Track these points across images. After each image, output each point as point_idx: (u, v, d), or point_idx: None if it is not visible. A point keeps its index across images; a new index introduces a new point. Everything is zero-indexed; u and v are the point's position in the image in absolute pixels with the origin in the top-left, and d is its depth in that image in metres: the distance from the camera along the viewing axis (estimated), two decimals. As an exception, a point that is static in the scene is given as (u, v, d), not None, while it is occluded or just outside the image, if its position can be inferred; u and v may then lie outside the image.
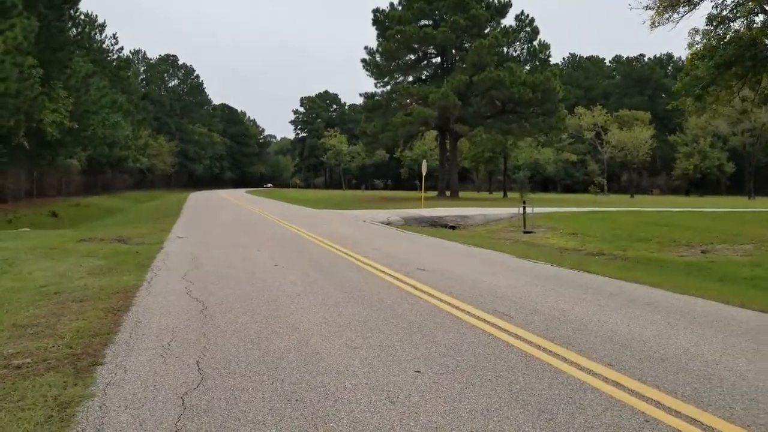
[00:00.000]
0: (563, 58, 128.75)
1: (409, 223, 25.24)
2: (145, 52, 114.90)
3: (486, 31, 47.34)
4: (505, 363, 4.92)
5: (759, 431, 3.63)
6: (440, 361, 4.99)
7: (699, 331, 6.07)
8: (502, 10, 49.30)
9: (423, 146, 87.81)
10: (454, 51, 52.01)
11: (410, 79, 54.85)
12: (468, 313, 6.78)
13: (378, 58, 50.73)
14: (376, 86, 53.70)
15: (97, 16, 70.93)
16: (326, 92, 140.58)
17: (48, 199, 38.17)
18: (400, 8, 51.12)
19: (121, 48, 79.93)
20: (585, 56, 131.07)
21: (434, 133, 61.81)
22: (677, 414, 3.85)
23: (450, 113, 45.52)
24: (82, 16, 40.70)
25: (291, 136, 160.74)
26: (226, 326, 6.15)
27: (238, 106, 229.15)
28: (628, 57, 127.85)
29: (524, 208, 23.47)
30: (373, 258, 11.58)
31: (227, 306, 7.14)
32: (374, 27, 52.11)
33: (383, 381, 4.47)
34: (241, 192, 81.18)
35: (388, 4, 52.98)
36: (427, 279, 9.16)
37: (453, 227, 25.90)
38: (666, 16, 24.16)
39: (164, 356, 5.10)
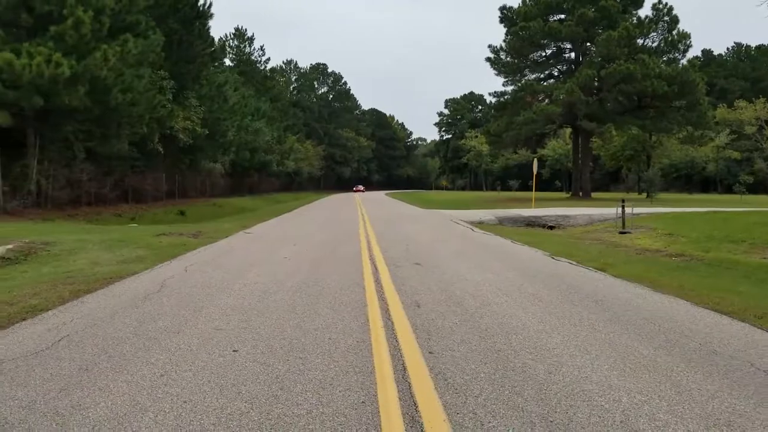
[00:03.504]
0: (727, 48, 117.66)
1: (503, 223, 24.64)
2: (296, 61, 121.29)
3: (619, 23, 44.61)
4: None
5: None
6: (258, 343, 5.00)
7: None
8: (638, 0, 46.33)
9: (566, 145, 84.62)
10: (588, 44, 49.60)
11: (541, 76, 53.16)
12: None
13: (503, 56, 49.71)
14: (504, 85, 52.68)
15: (246, 29, 76.34)
16: (471, 93, 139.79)
17: (189, 199, 41.61)
18: (529, 4, 49.71)
19: (268, 59, 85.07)
20: (753, 45, 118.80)
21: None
22: None
23: (577, 110, 43.52)
24: (212, 30, 43.66)
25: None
26: (153, 307, 6.55)
27: (387, 110, 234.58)
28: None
29: (623, 208, 22.06)
30: (391, 254, 11.57)
31: (180, 288, 7.56)
32: (502, 24, 51.16)
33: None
34: (380, 194, 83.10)
35: (519, 2, 51.80)
36: (404, 275, 9.04)
37: (552, 227, 24.93)
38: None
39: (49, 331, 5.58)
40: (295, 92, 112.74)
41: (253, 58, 74.34)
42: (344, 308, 6.66)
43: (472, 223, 22.97)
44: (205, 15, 36.82)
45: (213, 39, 50.22)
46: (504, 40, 49.62)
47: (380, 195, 72.72)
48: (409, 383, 4.21)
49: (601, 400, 3.91)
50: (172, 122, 32.36)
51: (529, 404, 3.83)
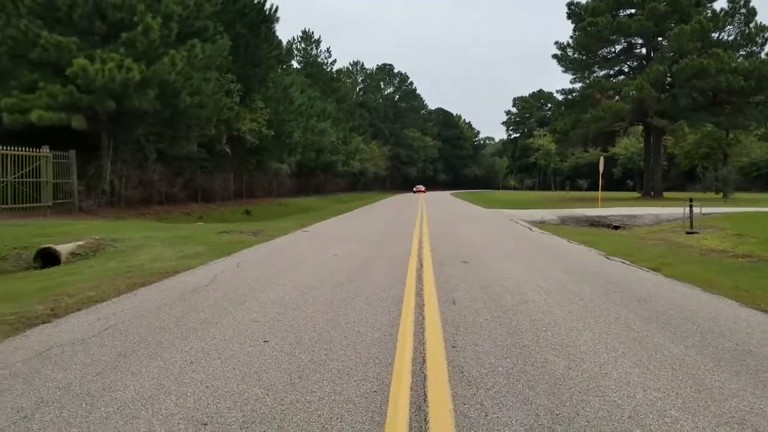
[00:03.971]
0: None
1: (565, 223, 24.22)
2: (363, 63, 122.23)
3: (692, 17, 42.96)
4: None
5: None
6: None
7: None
8: (713, -9, 44.49)
9: (639, 144, 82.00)
10: (659, 39, 47.98)
11: (611, 72, 51.78)
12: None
13: (570, 53, 48.69)
14: (571, 82, 51.63)
15: (312, 32, 77.63)
16: (540, 91, 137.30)
17: (256, 199, 42.69)
18: (597, -1, 48.53)
19: (335, 60, 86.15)
20: None
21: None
22: None
23: (647, 106, 42.18)
24: (280, 33, 44.60)
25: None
26: (198, 301, 6.87)
27: (454, 110, 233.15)
28: None
29: (690, 207, 21.29)
30: (441, 252, 11.63)
31: (228, 283, 7.87)
32: (569, 20, 50.12)
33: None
34: (444, 194, 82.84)
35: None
36: (449, 273, 9.09)
37: (616, 227, 24.34)
38: None
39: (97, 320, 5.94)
40: (361, 93, 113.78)
41: (319, 60, 75.57)
42: (380, 303, 6.77)
43: (532, 222, 22.67)
44: (271, 19, 37.70)
45: (280, 42, 51.50)
46: (571, 37, 48.67)
47: (444, 195, 72.52)
48: (425, 375, 4.28)
49: (615, 396, 3.88)
50: (239, 124, 33.30)
51: (540, 398, 3.84)
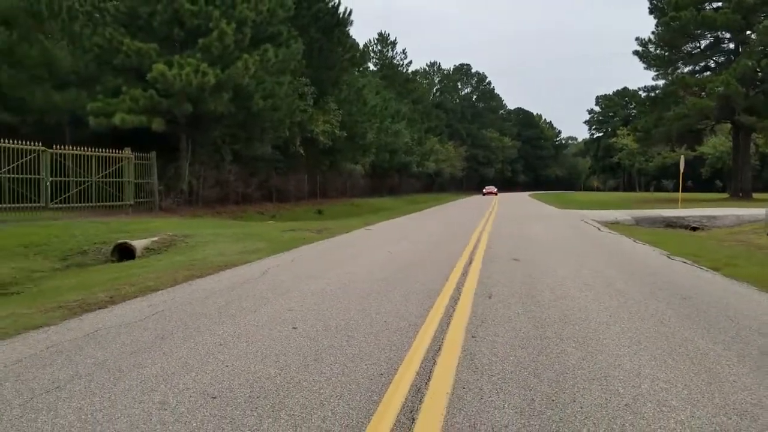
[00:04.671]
0: None
1: (640, 224, 23.49)
2: (439, 63, 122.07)
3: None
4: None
5: None
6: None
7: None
8: (810, -22, 41.79)
9: (728, 142, 78.06)
10: (747, 33, 45.58)
11: (696, 68, 49.62)
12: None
13: (653, 49, 46.99)
14: (654, 79, 49.84)
15: (389, 34, 78.26)
16: (624, 89, 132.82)
17: (329, 199, 43.51)
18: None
19: (410, 62, 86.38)
20: None
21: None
22: None
23: (734, 103, 40.18)
24: (357, 35, 45.24)
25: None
26: (246, 293, 7.22)
27: (535, 109, 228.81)
28: None
29: (773, 207, 20.24)
30: (495, 250, 11.63)
31: (278, 276, 8.21)
32: (651, 15, 48.41)
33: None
34: (522, 195, 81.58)
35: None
36: (495, 270, 9.11)
37: (695, 228, 23.41)
38: None
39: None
40: (437, 94, 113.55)
41: (395, 62, 76.09)
42: (415, 296, 6.90)
43: (603, 223, 22.11)
44: (344, 23, 38.36)
45: (356, 44, 52.27)
46: (653, 32, 46.97)
47: (521, 196, 71.43)
48: (435, 361, 4.40)
49: (619, 386, 3.87)
50: (312, 126, 34.07)
51: (542, 385, 3.88)
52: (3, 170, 16.32)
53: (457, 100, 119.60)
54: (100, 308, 6.54)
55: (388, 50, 75.01)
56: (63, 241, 14.59)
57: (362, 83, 44.54)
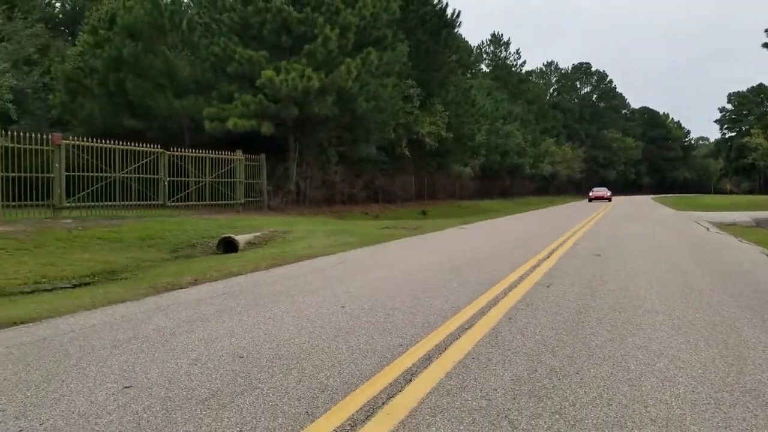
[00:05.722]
0: None
1: (761, 225, 21.92)
2: (557, 62, 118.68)
3: None
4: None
5: None
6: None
7: None
8: None
9: None
10: None
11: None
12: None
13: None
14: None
15: (502, 34, 77.44)
16: (760, 85, 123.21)
17: (436, 201, 43.75)
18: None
19: (524, 62, 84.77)
20: None
21: None
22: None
23: None
24: (469, 36, 45.25)
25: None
26: (311, 276, 7.67)
27: (661, 108, 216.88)
28: None
29: None
30: (582, 247, 11.45)
31: (351, 265, 8.61)
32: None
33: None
34: (644, 198, 77.81)
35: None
36: (569, 264, 9.01)
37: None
38: None
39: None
40: (555, 94, 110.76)
41: (508, 62, 75.16)
42: (472, 285, 7.02)
43: (717, 224, 20.86)
44: (452, 24, 38.53)
45: (467, 44, 52.32)
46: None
47: (642, 199, 68.06)
48: (459, 337, 4.57)
49: (632, 363, 3.88)
50: (418, 127, 34.48)
51: (554, 360, 3.96)
52: (127, 170, 17.92)
53: (576, 100, 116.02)
54: (181, 288, 7.18)
55: (501, 51, 74.26)
56: (175, 235, 15.79)
57: (470, 84, 44.43)
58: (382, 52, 26.86)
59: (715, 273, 8.12)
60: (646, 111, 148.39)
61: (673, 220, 22.21)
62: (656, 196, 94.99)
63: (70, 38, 33.12)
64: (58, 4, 39.15)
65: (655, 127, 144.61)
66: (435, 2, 37.82)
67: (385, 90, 27.62)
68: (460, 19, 39.53)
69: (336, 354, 4.10)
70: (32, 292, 8.49)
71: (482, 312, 5.47)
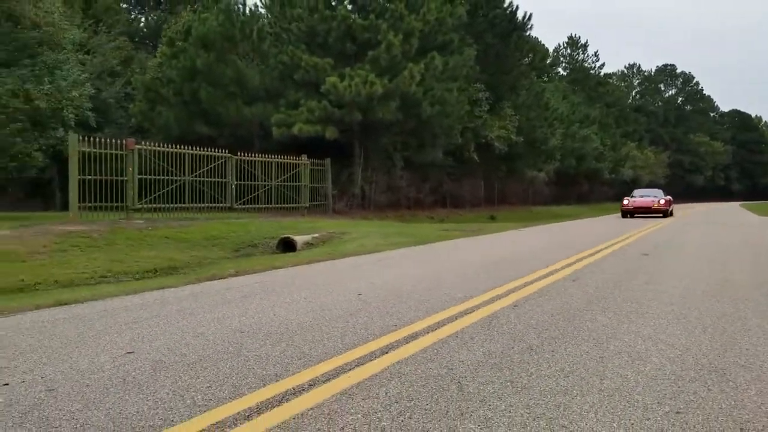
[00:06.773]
0: None
1: None
2: (639, 65, 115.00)
3: None
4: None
5: None
6: (383, 292, 5.87)
7: None
8: None
9: None
10: None
11: None
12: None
13: None
14: None
15: (579, 37, 75.83)
16: None
17: (507, 206, 43.31)
18: None
19: (603, 64, 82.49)
20: None
21: None
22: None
23: None
24: (534, 40, 44.66)
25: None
26: (351, 271, 7.96)
27: (754, 111, 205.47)
28: None
29: None
30: (635, 247, 11.26)
31: (395, 262, 8.86)
32: None
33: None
34: (731, 205, 74.17)
35: None
36: (611, 261, 8.91)
37: None
38: None
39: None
40: (637, 97, 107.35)
41: (585, 65, 73.47)
42: (498, 280, 7.06)
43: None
44: (522, 27, 38.17)
45: (541, 46, 51.55)
46: None
47: (728, 205, 64.96)
48: (455, 319, 4.72)
49: (613, 344, 3.94)
50: (487, 131, 34.33)
51: (536, 340, 4.06)
52: (196, 174, 18.83)
53: (660, 103, 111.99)
54: (221, 278, 7.62)
55: (578, 54, 72.69)
56: (239, 236, 16.47)
57: (543, 87, 43.75)
58: (448, 56, 26.98)
59: (754, 271, 7.85)
60: (736, 114, 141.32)
61: (751, 227, 21.18)
62: (745, 202, 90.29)
63: (152, 50, 34.97)
64: (143, 18, 41.40)
65: (747, 131, 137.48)
66: (505, 5, 37.60)
67: (450, 94, 27.68)
68: (532, 21, 39.07)
69: (329, 331, 4.35)
70: (97, 284, 9.16)
71: (492, 300, 5.58)
